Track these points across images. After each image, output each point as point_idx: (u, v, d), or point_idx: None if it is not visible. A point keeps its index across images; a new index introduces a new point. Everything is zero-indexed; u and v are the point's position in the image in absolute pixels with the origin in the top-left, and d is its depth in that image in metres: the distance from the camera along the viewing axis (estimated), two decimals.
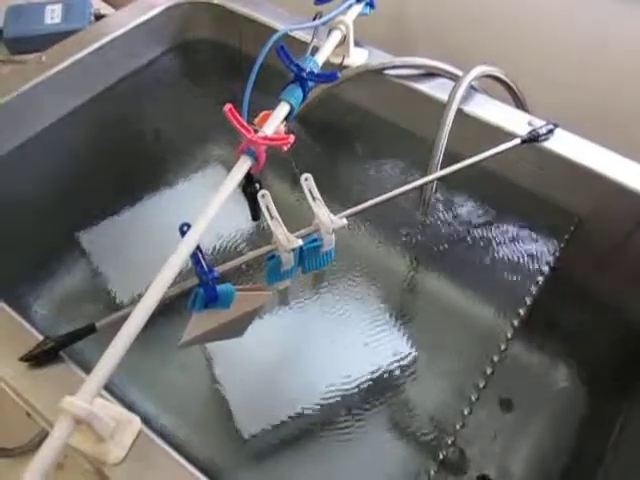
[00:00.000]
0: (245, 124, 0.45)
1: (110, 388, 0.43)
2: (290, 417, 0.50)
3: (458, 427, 0.48)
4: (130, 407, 0.42)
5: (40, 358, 0.42)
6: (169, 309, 0.53)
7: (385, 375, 0.52)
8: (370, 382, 0.51)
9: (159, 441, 0.39)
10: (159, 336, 0.54)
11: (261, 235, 0.62)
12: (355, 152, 0.72)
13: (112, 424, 0.38)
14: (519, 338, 0.67)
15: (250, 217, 0.50)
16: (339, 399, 0.51)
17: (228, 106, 0.44)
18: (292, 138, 0.47)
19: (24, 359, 0.43)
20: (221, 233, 0.62)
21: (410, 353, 0.53)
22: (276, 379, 0.53)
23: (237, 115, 0.44)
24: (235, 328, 0.47)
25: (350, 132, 0.74)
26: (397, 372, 0.52)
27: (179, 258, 0.40)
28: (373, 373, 0.52)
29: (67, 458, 0.47)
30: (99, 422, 0.35)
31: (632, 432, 0.58)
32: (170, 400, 0.51)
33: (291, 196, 0.64)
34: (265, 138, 0.46)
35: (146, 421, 0.42)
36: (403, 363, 0.53)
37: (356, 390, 0.51)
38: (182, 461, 0.39)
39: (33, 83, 0.63)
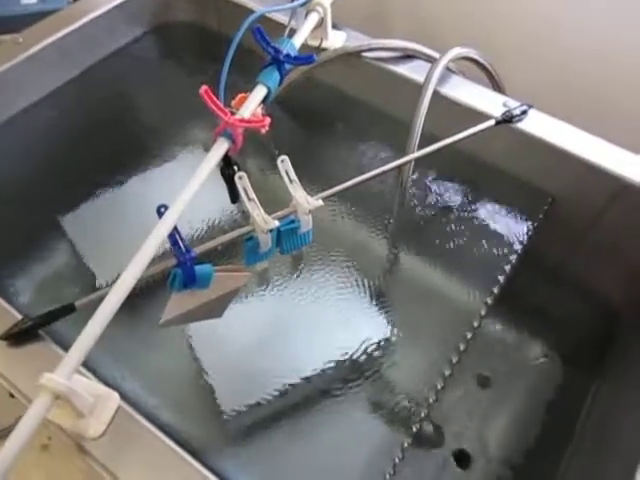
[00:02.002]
0: (222, 106, 0.45)
1: (91, 367, 0.44)
2: (270, 394, 0.51)
3: (431, 401, 0.50)
4: (111, 385, 0.43)
5: (18, 337, 0.43)
6: (152, 288, 0.54)
7: (361, 352, 0.53)
8: (346, 359, 0.52)
9: (138, 416, 0.40)
10: (141, 315, 0.55)
11: (242, 217, 0.63)
12: (333, 134, 0.73)
13: (91, 400, 0.38)
14: (495, 316, 0.69)
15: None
16: (317, 377, 0.52)
17: (204, 88, 0.44)
18: (268, 120, 0.47)
19: (2, 338, 0.43)
20: (201, 215, 0.63)
21: (386, 330, 0.54)
22: (257, 358, 0.54)
23: (213, 97, 0.45)
24: (214, 309, 0.48)
25: (328, 114, 0.74)
26: (373, 349, 0.53)
27: (156, 239, 0.41)
28: (349, 350, 0.53)
29: (52, 440, 0.47)
30: (78, 398, 0.36)
31: (603, 405, 0.60)
32: (152, 378, 0.52)
33: (270, 178, 0.64)
34: (242, 120, 0.46)
35: (128, 399, 0.43)
36: (378, 340, 0.54)
37: (333, 367, 0.52)
38: (161, 435, 0.40)
39: (10, 64, 0.62)
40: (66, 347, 0.40)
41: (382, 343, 0.54)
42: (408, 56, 0.66)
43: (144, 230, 0.41)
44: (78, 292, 0.56)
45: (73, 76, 0.69)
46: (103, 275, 0.57)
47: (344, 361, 0.53)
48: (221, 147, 0.46)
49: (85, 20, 0.68)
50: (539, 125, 0.60)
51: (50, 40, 0.65)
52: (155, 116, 0.74)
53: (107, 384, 0.43)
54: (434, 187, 0.65)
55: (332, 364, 0.52)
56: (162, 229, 0.41)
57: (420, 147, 0.58)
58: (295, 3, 0.60)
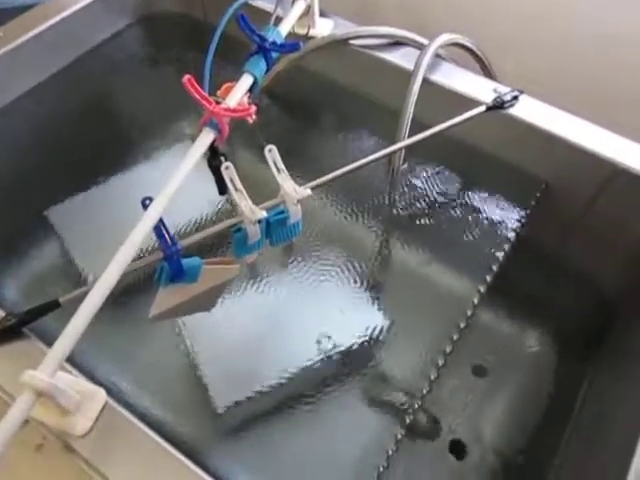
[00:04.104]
0: (206, 95, 0.45)
1: (80, 363, 0.43)
2: (261, 388, 0.50)
3: (425, 392, 0.49)
4: (102, 382, 0.42)
5: (2, 335, 0.42)
6: (140, 283, 0.53)
7: (354, 343, 0.53)
8: (339, 351, 0.52)
9: (125, 412, 0.40)
10: (130, 310, 0.54)
11: (231, 208, 0.62)
12: (321, 123, 0.72)
13: (77, 397, 0.38)
14: (490, 305, 0.68)
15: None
16: (309, 369, 0.51)
17: (187, 77, 0.43)
18: (254, 109, 0.46)
19: None
20: (190, 208, 0.62)
21: (378, 321, 0.54)
22: (247, 351, 0.53)
23: (197, 86, 0.44)
24: (204, 302, 0.47)
25: (316, 103, 0.73)
26: (366, 340, 0.53)
27: (141, 232, 0.40)
28: (342, 342, 0.53)
29: (46, 439, 0.47)
30: (63, 395, 0.36)
31: (599, 393, 0.59)
32: (140, 374, 0.51)
33: (260, 168, 0.63)
34: (227, 110, 0.45)
35: (115, 395, 0.42)
36: (371, 331, 0.53)
37: (325, 359, 0.52)
38: (150, 432, 0.39)
39: None
40: (52, 344, 0.40)
41: (375, 334, 0.53)
42: (397, 43, 0.65)
43: (132, 224, 0.40)
44: (65, 288, 0.55)
45: (57, 70, 0.68)
46: (90, 270, 0.56)
47: (337, 353, 0.52)
48: (206, 137, 0.45)
49: (68, 13, 0.67)
50: (530, 111, 0.59)
51: (32, 34, 0.64)
52: (141, 108, 0.73)
53: (95, 381, 0.42)
54: (425, 175, 0.64)
55: (325, 356, 0.52)
56: (147, 222, 0.40)
57: (410, 135, 0.58)
58: None
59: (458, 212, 0.61)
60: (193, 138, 0.45)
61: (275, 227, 0.48)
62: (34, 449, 0.47)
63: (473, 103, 0.59)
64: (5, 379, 0.40)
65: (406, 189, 0.63)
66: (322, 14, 0.66)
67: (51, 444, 0.40)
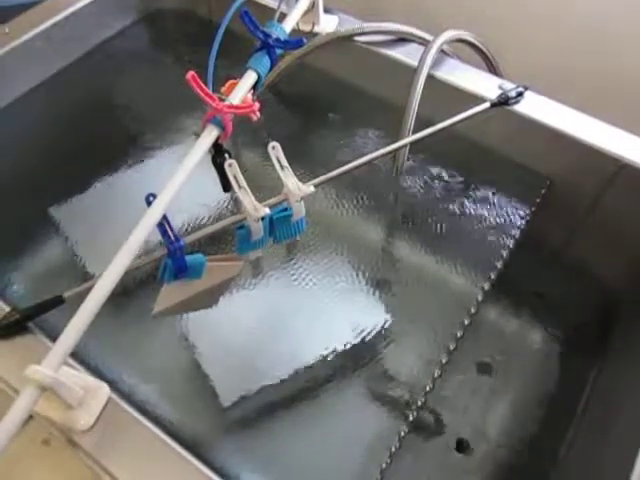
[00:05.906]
0: (209, 92, 0.45)
1: (84, 359, 0.44)
2: (265, 384, 0.50)
3: (428, 389, 0.49)
4: (105, 378, 0.42)
5: (7, 330, 0.42)
6: (145, 279, 0.53)
7: (357, 341, 0.52)
8: (343, 348, 0.52)
9: (129, 408, 0.40)
10: (134, 306, 0.54)
11: (235, 206, 0.62)
12: (325, 120, 0.72)
13: (80, 392, 0.38)
14: (495, 302, 0.68)
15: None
16: (314, 366, 0.51)
17: (190, 73, 0.43)
18: (257, 105, 0.46)
19: None
20: (195, 205, 0.62)
21: (382, 318, 0.54)
22: (251, 348, 0.53)
23: (200, 83, 0.44)
24: (207, 299, 0.47)
25: (321, 100, 0.73)
26: (369, 338, 0.53)
27: (144, 228, 0.40)
28: (345, 339, 0.52)
29: (53, 434, 0.47)
30: (66, 390, 0.36)
31: (603, 390, 0.59)
32: (144, 369, 0.51)
33: (263, 165, 0.63)
34: (231, 106, 0.45)
35: (122, 392, 0.42)
36: (375, 329, 0.53)
37: (329, 356, 0.52)
38: (153, 427, 0.40)
39: None
40: (56, 340, 0.40)
41: (379, 331, 0.53)
42: (402, 39, 0.65)
43: (136, 221, 0.40)
44: (69, 284, 0.56)
45: (62, 66, 0.68)
46: (94, 266, 0.56)
47: (340, 350, 0.52)
48: (210, 134, 0.45)
49: (73, 9, 0.67)
50: (535, 107, 0.59)
51: (38, 30, 0.65)
52: (146, 105, 0.73)
53: (99, 376, 0.42)
54: (429, 172, 0.64)
55: (328, 353, 0.52)
56: (151, 219, 0.40)
57: (415, 131, 0.57)
58: None
59: (462, 209, 0.61)
60: (197, 135, 0.45)
61: (279, 224, 0.48)
62: (41, 443, 0.48)
63: (478, 99, 0.59)
64: (10, 373, 0.40)
65: (410, 185, 0.63)
66: (326, 10, 0.66)
67: (59, 439, 0.40)
